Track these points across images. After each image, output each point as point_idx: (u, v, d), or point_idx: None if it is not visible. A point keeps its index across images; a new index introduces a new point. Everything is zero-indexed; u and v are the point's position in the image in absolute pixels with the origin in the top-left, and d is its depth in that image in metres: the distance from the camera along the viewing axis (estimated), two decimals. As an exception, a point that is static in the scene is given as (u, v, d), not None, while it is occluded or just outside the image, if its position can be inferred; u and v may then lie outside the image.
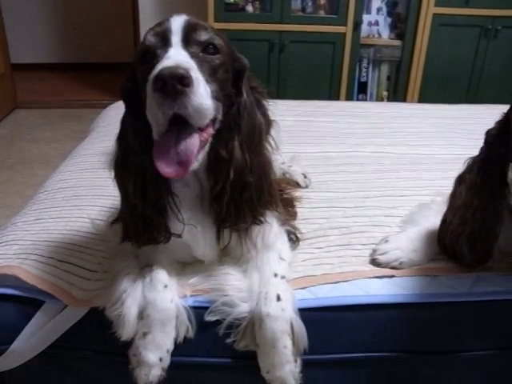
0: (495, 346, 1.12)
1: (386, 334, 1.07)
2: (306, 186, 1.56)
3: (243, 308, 1.01)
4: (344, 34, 3.23)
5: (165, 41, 0.91)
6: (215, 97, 0.91)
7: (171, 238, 1.01)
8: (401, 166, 1.73)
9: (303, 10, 3.30)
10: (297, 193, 1.47)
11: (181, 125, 0.87)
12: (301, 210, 1.37)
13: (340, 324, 1.05)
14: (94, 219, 1.33)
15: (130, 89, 0.98)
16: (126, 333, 0.98)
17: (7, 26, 4.25)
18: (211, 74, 0.91)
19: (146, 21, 3.74)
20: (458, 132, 2.11)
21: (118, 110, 2.25)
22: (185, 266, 1.11)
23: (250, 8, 3.23)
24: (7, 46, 4.27)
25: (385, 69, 3.49)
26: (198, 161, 0.90)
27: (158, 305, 0.98)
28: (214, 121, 0.93)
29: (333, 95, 3.34)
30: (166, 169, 0.87)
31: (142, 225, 0.98)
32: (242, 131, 0.98)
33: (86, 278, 1.11)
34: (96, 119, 2.39)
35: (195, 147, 0.88)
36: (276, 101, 2.52)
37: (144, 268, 1.05)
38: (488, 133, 1.09)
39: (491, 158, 1.06)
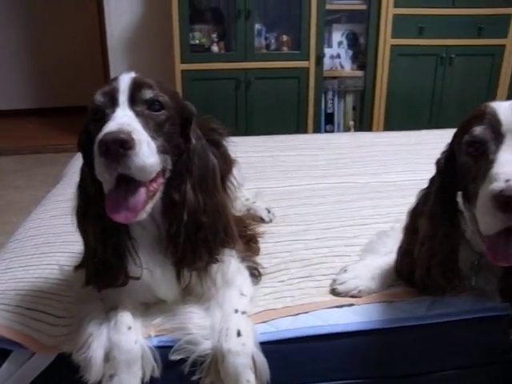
0: (457, 365, 1.16)
1: (348, 362, 1.10)
2: (270, 221, 1.60)
3: (206, 345, 1.04)
4: (307, 69, 3.34)
5: (112, 100, 0.97)
6: (162, 151, 0.97)
7: (129, 280, 1.04)
8: (363, 195, 1.79)
9: (267, 47, 3.41)
10: (260, 228, 1.51)
11: (128, 179, 0.93)
12: (264, 245, 1.42)
13: (302, 355, 1.08)
14: (62, 265, 1.35)
15: (85, 140, 1.03)
16: (93, 376, 1.00)
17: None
18: (157, 130, 0.98)
19: (116, 64, 3.82)
20: (418, 157, 2.19)
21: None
22: (149, 306, 1.14)
23: (215, 48, 3.32)
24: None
25: (350, 99, 3.60)
26: (146, 211, 0.96)
27: (122, 346, 1.00)
28: (163, 171, 0.99)
29: (301, 128, 3.43)
30: (118, 219, 0.94)
31: (101, 269, 1.02)
32: (193, 175, 1.03)
33: (53, 325, 1.13)
34: (67, 165, 2.43)
35: (142, 200, 0.95)
36: (244, 137, 2.62)
37: (109, 311, 1.08)
38: (437, 162, 1.13)
39: (445, 186, 1.09)
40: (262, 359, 1.02)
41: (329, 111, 3.57)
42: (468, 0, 3.33)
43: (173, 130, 1.02)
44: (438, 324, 1.13)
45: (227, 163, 1.49)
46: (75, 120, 5.12)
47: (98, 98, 0.98)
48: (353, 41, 3.54)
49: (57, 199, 1.88)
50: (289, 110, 3.41)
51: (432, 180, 1.14)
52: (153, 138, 0.95)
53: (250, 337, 1.03)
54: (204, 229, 1.03)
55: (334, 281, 1.22)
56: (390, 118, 3.50)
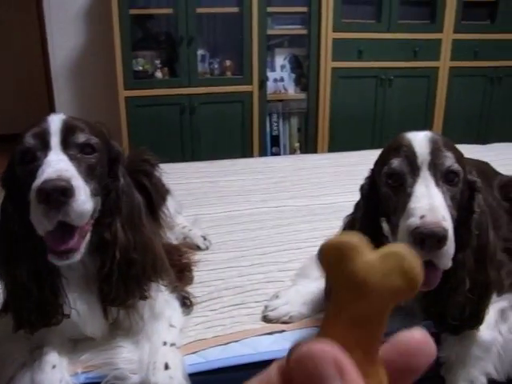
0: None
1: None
2: (207, 248, 1.61)
3: (134, 380, 1.03)
4: (251, 92, 3.38)
5: (44, 143, 0.96)
6: (94, 193, 0.98)
7: (63, 318, 1.03)
8: (299, 219, 1.83)
9: (211, 72, 3.44)
10: (196, 256, 1.52)
11: (63, 223, 0.93)
12: (198, 273, 1.42)
13: (232, 384, 1.09)
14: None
15: (9, 179, 1.01)
16: None
17: None
18: (89, 173, 0.98)
19: (60, 92, 3.78)
20: (357, 178, 2.24)
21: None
22: (77, 342, 1.12)
23: (158, 74, 3.33)
24: None
25: (294, 121, 3.66)
26: (81, 252, 0.97)
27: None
28: (93, 213, 0.99)
29: (247, 151, 3.46)
30: (58, 260, 0.95)
31: (36, 309, 0.99)
32: (122, 213, 1.04)
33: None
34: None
35: (78, 241, 0.95)
36: (188, 163, 2.63)
37: (34, 350, 1.06)
38: (362, 188, 1.13)
39: (370, 212, 1.10)
40: None
41: (274, 134, 3.62)
42: (402, 26, 3.47)
43: (103, 172, 1.03)
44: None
45: (160, 193, 1.50)
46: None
47: (28, 140, 0.96)
48: (295, 64, 3.61)
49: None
50: (234, 133, 3.44)
51: (357, 205, 1.16)
52: (86, 181, 0.96)
53: (178, 369, 1.03)
54: (135, 265, 1.03)
55: (266, 307, 1.24)
56: (334, 138, 3.58)
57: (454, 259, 0.97)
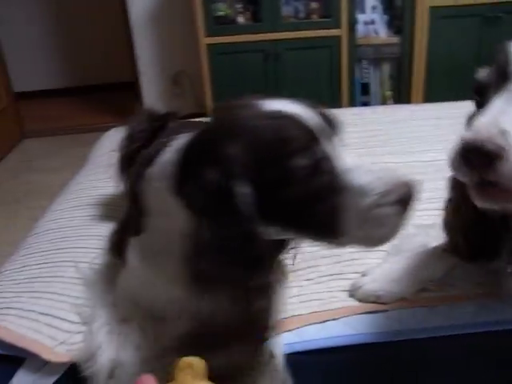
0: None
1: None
2: None
3: None
4: (339, 37, 3.17)
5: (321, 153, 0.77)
6: None
7: None
8: (399, 177, 1.65)
9: (296, 16, 3.24)
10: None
11: None
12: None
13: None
14: (77, 262, 1.29)
15: None
16: None
17: (7, 55, 4.29)
18: None
19: (141, 42, 3.76)
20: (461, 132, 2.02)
21: (110, 137, 2.22)
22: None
23: (241, 19, 3.18)
24: (8, 77, 4.30)
25: (386, 68, 3.41)
26: None
27: (127, 367, 0.92)
28: None
29: (335, 100, 3.28)
30: None
31: None
32: None
33: (67, 331, 1.06)
34: (92, 149, 2.36)
35: None
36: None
37: (121, 322, 1.00)
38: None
39: None
40: None
41: (364, 81, 3.40)
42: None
43: None
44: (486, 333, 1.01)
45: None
46: (104, 98, 5.14)
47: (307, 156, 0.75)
48: (388, 4, 3.33)
49: (78, 187, 1.82)
50: (321, 81, 3.26)
51: None
52: None
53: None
54: None
55: (352, 286, 1.11)
56: (431, 87, 3.30)
57: None
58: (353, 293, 1.08)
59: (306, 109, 0.79)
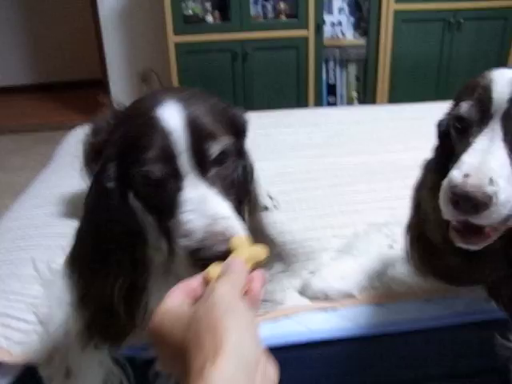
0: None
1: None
2: (275, 208, 1.49)
3: None
4: (307, 38, 3.19)
5: (173, 170, 0.73)
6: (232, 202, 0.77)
7: None
8: (358, 178, 1.69)
9: (264, 16, 3.26)
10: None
11: None
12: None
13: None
14: (36, 260, 1.28)
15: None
16: None
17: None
18: (227, 187, 0.78)
19: (109, 36, 3.71)
20: (422, 134, 2.06)
21: (75, 137, 2.20)
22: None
23: (209, 18, 3.18)
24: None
25: (352, 69, 3.45)
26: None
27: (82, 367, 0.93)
28: None
29: (301, 100, 3.30)
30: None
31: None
32: (250, 197, 0.91)
33: (22, 331, 1.06)
34: (57, 147, 2.34)
35: None
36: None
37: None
38: (439, 124, 0.97)
39: (443, 155, 0.95)
40: None
41: (330, 82, 3.43)
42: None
43: (236, 170, 0.83)
44: (432, 328, 1.05)
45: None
46: (70, 95, 5.07)
47: (153, 167, 0.73)
48: (355, 6, 3.37)
49: (40, 186, 1.81)
50: (289, 81, 3.28)
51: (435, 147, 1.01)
52: (229, 200, 0.76)
53: None
54: None
55: (300, 285, 1.13)
56: (395, 88, 3.35)
57: None
58: (302, 291, 1.10)
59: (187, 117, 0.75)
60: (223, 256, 0.64)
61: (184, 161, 0.73)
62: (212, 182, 0.75)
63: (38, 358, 0.98)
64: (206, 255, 0.67)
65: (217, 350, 0.47)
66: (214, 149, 0.75)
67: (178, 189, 0.73)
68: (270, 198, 1.52)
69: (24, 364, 1.00)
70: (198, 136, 0.74)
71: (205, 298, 0.55)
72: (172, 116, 0.74)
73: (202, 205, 0.71)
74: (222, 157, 0.77)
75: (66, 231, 1.24)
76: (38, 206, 1.62)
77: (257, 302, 0.59)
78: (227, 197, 0.76)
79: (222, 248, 0.67)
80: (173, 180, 0.74)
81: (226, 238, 0.68)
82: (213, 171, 0.76)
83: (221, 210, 0.72)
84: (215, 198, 0.73)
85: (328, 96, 3.44)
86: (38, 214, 1.57)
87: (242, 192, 0.86)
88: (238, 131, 0.86)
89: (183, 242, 0.70)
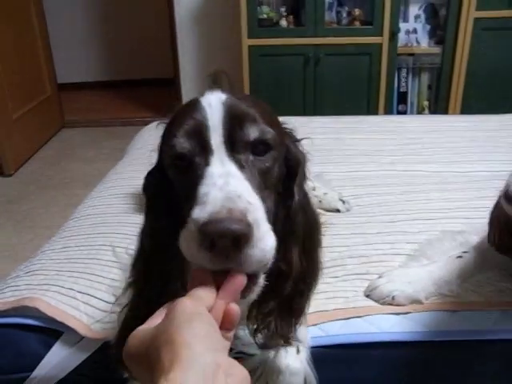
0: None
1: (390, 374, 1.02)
2: (347, 211, 1.51)
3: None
4: (380, 45, 3.15)
5: (202, 145, 0.70)
6: (268, 217, 0.69)
7: None
8: (431, 186, 1.66)
9: (338, 22, 3.25)
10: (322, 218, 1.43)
11: None
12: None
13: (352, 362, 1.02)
14: (115, 247, 1.34)
15: (154, 186, 0.82)
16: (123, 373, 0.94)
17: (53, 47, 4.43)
18: (263, 184, 0.72)
19: (183, 38, 3.81)
20: (498, 146, 2.01)
21: (151, 131, 2.29)
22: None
23: (283, 22, 3.21)
24: (54, 68, 4.43)
25: (425, 78, 3.38)
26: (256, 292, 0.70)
27: None
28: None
29: (372, 107, 3.27)
30: None
31: None
32: (299, 239, 0.82)
33: (102, 310, 1.12)
34: (132, 141, 2.44)
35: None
36: (310, 118, 2.52)
37: None
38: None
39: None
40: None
41: (402, 90, 3.38)
42: None
43: (279, 177, 0.77)
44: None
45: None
46: (143, 93, 5.25)
47: (181, 142, 0.71)
48: (431, 14, 3.30)
49: (117, 177, 1.89)
50: (359, 88, 3.26)
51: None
52: (261, 198, 0.68)
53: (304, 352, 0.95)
54: (302, 298, 0.85)
55: (368, 286, 1.12)
56: (469, 99, 3.25)
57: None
58: (369, 293, 1.11)
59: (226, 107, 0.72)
60: (233, 238, 0.60)
61: (216, 135, 0.70)
62: (242, 166, 0.70)
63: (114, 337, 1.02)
64: (216, 229, 0.60)
65: (173, 362, 0.50)
66: (252, 131, 0.71)
67: (205, 164, 0.69)
68: (343, 201, 1.53)
69: (102, 340, 1.06)
70: (237, 116, 0.71)
71: (167, 313, 0.57)
72: (214, 98, 0.73)
73: (224, 179, 0.66)
74: (263, 148, 0.72)
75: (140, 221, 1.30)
76: (115, 196, 1.70)
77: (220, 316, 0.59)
78: (258, 192, 0.68)
79: (233, 227, 0.60)
80: (201, 155, 0.70)
81: (240, 217, 0.61)
82: (247, 156, 0.71)
83: (243, 192, 0.65)
84: (241, 179, 0.67)
85: (398, 104, 3.39)
86: (115, 203, 1.65)
87: (280, 210, 0.79)
88: (292, 163, 0.81)
89: (195, 215, 0.63)
